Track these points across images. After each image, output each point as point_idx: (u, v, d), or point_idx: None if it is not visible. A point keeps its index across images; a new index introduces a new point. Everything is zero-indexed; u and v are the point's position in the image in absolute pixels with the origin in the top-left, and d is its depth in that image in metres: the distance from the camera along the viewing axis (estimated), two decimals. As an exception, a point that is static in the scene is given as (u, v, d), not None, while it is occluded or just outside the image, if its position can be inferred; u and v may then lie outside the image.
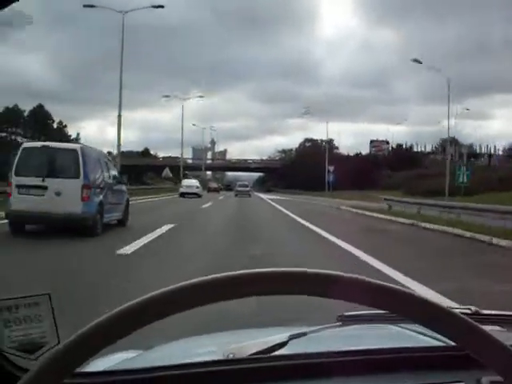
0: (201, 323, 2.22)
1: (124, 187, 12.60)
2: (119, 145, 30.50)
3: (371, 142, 76.64)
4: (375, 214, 19.16)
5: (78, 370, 0.61)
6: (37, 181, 9.44)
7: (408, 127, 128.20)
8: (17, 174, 9.61)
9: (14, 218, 9.61)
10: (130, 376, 0.84)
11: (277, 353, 0.91)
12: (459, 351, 0.80)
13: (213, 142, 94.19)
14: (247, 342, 0.96)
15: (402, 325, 1.14)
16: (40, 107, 60.33)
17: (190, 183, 38.83)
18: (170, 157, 78.31)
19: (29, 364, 0.73)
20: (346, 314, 1.08)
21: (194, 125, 72.57)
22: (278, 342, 0.94)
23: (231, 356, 0.90)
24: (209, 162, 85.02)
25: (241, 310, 2.45)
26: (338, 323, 1.09)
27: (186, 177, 52.29)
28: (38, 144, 10.61)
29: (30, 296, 0.73)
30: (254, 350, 0.91)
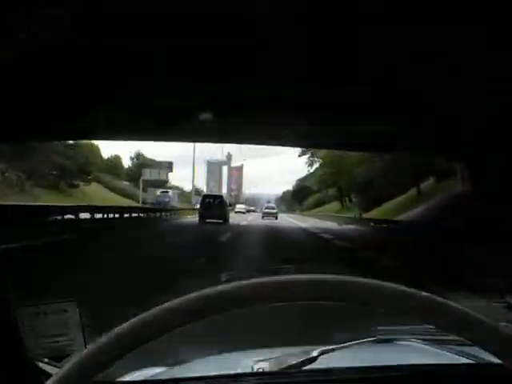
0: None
1: (229, 207, 34.32)
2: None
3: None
4: None
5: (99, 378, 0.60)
6: (209, 205, 30.69)
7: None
8: (201, 203, 31.11)
9: (201, 216, 30.63)
10: None
11: (307, 367, 0.89)
12: (505, 370, 0.77)
13: (229, 156, 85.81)
14: (277, 357, 0.93)
15: (438, 342, 1.09)
16: None
17: (241, 206, 60.37)
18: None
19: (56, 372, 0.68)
20: (380, 328, 1.07)
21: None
22: (308, 356, 0.91)
23: (260, 370, 0.88)
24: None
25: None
26: (371, 338, 1.08)
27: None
28: (209, 193, 32.98)
29: (57, 302, 0.74)
30: (283, 365, 0.88)
